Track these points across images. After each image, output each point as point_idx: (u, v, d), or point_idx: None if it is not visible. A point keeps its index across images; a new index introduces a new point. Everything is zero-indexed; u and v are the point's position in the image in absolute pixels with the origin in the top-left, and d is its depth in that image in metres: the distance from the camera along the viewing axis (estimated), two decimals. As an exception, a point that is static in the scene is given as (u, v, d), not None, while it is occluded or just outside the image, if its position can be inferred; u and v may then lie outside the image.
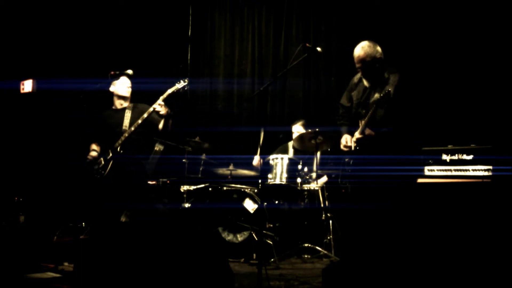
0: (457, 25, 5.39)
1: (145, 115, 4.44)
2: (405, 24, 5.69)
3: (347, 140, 3.82)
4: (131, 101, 4.74)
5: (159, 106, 4.36)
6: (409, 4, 5.73)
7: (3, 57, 6.54)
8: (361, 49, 3.71)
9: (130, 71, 4.64)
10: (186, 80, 4.44)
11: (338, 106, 4.10)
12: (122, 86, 4.66)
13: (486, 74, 5.16)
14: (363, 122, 3.69)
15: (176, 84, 4.44)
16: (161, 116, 4.45)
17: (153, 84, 4.91)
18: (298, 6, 6.69)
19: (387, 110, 3.60)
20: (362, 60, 3.70)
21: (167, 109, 4.40)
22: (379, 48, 3.72)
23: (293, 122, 5.86)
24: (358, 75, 3.89)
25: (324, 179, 5.39)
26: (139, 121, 4.45)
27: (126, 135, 4.48)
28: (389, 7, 5.89)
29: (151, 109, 4.42)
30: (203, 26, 7.14)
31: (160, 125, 4.56)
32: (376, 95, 3.68)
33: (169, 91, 4.43)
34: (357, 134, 3.72)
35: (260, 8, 6.90)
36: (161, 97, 4.39)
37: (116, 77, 4.62)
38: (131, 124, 4.54)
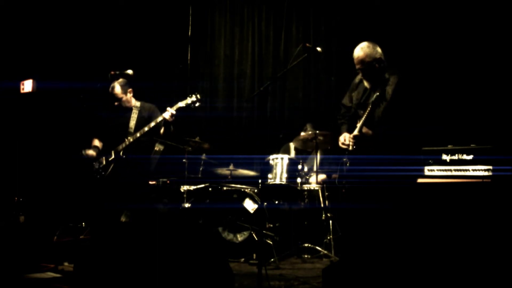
0: (457, 25, 5.38)
1: (152, 124, 4.45)
2: (405, 24, 5.69)
3: (345, 138, 3.82)
4: (136, 99, 4.73)
5: (168, 117, 4.37)
6: (409, 4, 5.73)
7: (3, 57, 6.54)
8: (361, 49, 3.69)
9: (130, 71, 4.63)
10: (198, 96, 4.45)
11: (340, 106, 4.09)
12: (115, 88, 4.63)
13: (486, 74, 5.16)
14: (360, 121, 3.69)
15: (188, 98, 4.45)
16: (165, 123, 4.45)
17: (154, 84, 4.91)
18: (298, 6, 6.69)
19: (385, 110, 3.60)
20: (362, 61, 3.68)
21: (172, 119, 4.41)
22: (379, 49, 3.71)
23: (305, 128, 5.76)
24: (359, 76, 3.88)
25: (323, 176, 5.39)
26: (146, 129, 4.46)
27: (131, 140, 4.49)
28: (389, 7, 5.88)
29: (159, 119, 4.42)
30: (203, 26, 7.14)
31: (161, 130, 4.57)
32: (375, 95, 3.67)
33: (180, 104, 4.44)
34: (355, 132, 3.72)
35: (260, 8, 6.91)
36: (172, 108, 4.40)
37: (116, 77, 4.61)
38: (136, 126, 4.56)
